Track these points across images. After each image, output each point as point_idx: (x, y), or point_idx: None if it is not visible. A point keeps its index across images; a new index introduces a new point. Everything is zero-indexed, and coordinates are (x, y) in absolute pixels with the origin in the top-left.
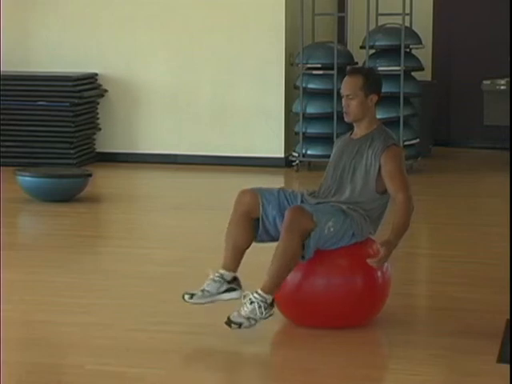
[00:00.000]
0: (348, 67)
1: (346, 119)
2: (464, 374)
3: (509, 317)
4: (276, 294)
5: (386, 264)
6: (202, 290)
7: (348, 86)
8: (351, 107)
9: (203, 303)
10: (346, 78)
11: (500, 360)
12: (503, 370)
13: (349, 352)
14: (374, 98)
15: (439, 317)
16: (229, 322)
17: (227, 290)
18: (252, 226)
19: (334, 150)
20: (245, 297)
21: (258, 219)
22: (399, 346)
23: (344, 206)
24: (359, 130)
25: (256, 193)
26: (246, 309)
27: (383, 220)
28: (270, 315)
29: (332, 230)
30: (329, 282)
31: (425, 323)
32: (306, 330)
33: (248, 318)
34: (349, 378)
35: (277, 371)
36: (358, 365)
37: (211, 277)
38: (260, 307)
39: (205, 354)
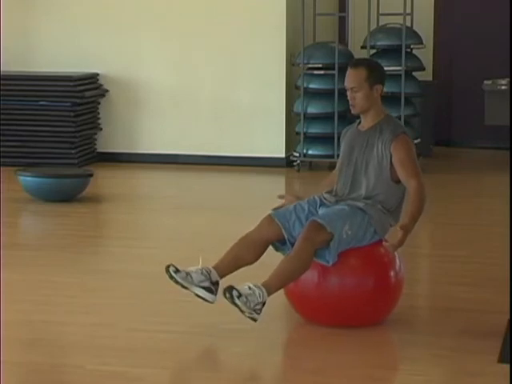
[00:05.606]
0: (350, 61)
1: (352, 112)
2: (465, 374)
3: (509, 317)
4: (287, 292)
5: (398, 263)
6: (187, 273)
7: (352, 78)
8: (357, 100)
9: (179, 284)
10: (349, 71)
11: (501, 360)
12: (504, 370)
13: (350, 352)
14: (379, 88)
15: (440, 317)
16: (230, 289)
17: (206, 288)
18: (264, 251)
19: (342, 145)
20: (239, 291)
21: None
22: (401, 346)
23: (361, 204)
24: (366, 122)
25: (276, 220)
26: (244, 290)
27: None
28: (254, 319)
29: (350, 232)
30: (342, 282)
31: (426, 323)
32: (311, 328)
33: (246, 297)
34: (351, 378)
35: (281, 370)
36: (360, 364)
37: (200, 267)
38: (260, 295)
39: (205, 354)
